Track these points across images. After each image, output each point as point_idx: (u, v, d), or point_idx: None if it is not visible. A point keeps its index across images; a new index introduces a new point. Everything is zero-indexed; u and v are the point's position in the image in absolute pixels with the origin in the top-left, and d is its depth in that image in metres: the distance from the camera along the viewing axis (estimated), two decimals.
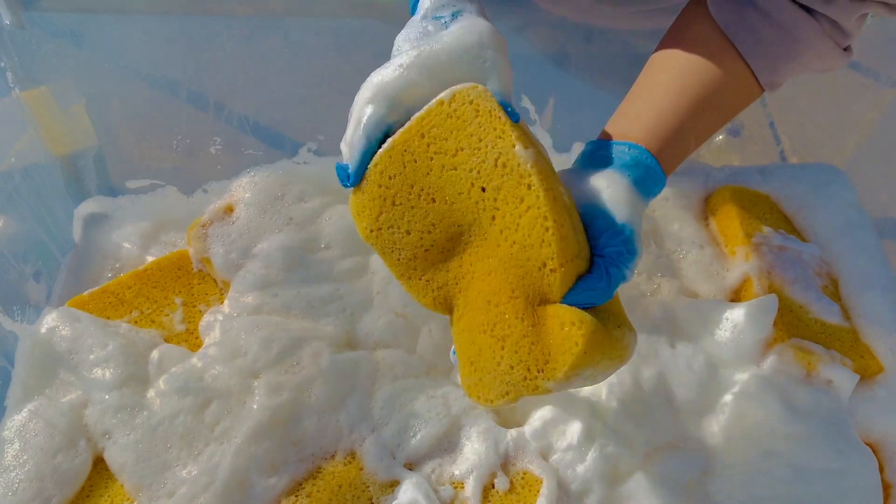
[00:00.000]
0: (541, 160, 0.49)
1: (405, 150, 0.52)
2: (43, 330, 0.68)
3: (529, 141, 0.50)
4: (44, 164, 0.88)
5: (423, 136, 0.51)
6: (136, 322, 0.72)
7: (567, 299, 0.48)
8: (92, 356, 0.67)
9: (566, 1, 0.81)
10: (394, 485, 0.64)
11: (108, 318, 0.72)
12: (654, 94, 0.58)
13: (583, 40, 0.92)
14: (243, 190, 0.77)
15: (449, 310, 0.56)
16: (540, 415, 0.67)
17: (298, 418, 0.65)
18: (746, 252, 0.80)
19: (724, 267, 0.81)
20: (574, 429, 0.65)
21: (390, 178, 0.53)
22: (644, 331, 0.72)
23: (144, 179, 0.85)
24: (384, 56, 0.54)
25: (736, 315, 0.72)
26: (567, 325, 0.47)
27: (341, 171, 0.54)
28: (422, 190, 0.52)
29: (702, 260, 0.81)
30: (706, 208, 0.87)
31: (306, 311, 0.71)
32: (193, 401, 0.64)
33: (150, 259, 0.79)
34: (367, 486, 0.63)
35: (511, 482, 0.64)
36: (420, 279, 0.55)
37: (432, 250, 0.53)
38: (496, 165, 0.49)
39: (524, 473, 0.64)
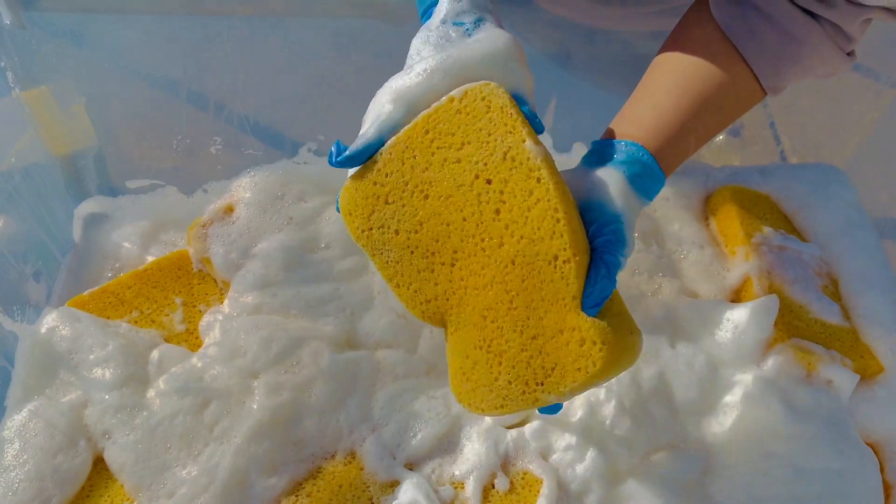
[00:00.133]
0: (549, 157, 0.49)
1: (406, 147, 0.51)
2: (43, 330, 0.68)
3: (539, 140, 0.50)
4: (44, 164, 0.88)
5: (427, 132, 0.51)
6: (136, 322, 0.72)
7: (586, 300, 0.47)
8: (92, 356, 0.67)
9: (566, 2, 0.81)
10: (394, 485, 0.64)
11: (108, 318, 0.72)
12: (654, 96, 0.59)
13: (584, 40, 0.92)
14: (243, 190, 0.77)
15: (441, 323, 0.54)
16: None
17: (298, 418, 0.64)
18: (746, 252, 0.80)
19: (724, 267, 0.81)
20: (574, 429, 0.65)
21: (387, 175, 0.52)
22: (645, 331, 0.72)
23: (144, 179, 0.85)
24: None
25: (736, 315, 0.72)
26: (588, 343, 0.46)
27: (336, 146, 0.53)
28: (416, 186, 0.51)
29: (702, 260, 0.81)
30: (706, 208, 0.87)
31: (306, 311, 0.71)
32: (193, 401, 0.64)
33: (150, 259, 0.79)
34: (368, 486, 0.63)
35: (511, 482, 0.64)
36: (408, 288, 0.53)
37: (416, 253, 0.52)
38: (505, 159, 0.48)
39: (524, 473, 0.64)
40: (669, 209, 0.85)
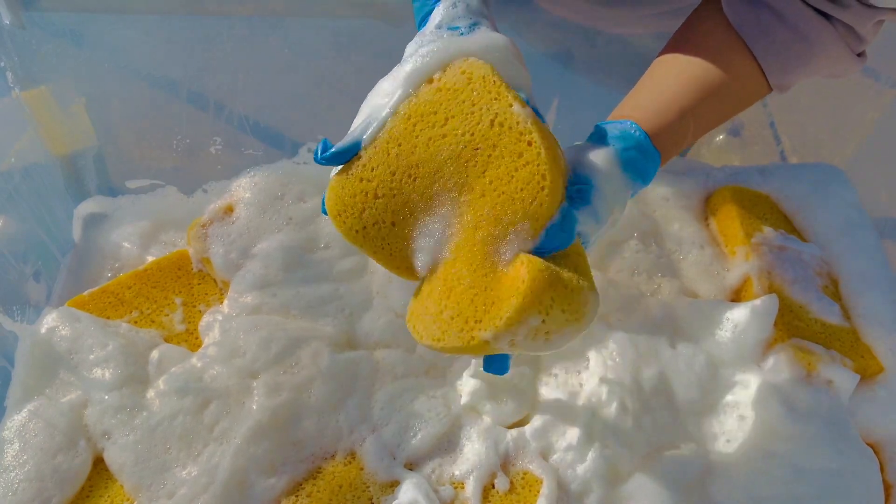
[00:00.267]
0: (539, 120, 0.48)
1: (390, 138, 0.50)
2: (43, 330, 0.68)
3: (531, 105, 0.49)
4: (44, 164, 0.88)
5: (409, 117, 0.50)
6: (136, 322, 0.72)
7: (536, 248, 0.46)
8: (92, 356, 0.67)
9: (566, 3, 0.81)
10: (394, 485, 0.64)
11: (108, 318, 0.72)
12: (657, 82, 0.59)
13: (585, 40, 0.92)
14: (243, 190, 0.77)
15: None
16: (540, 415, 0.67)
17: (298, 418, 0.64)
18: (746, 252, 0.80)
19: (724, 267, 0.81)
20: (574, 429, 0.65)
21: (372, 169, 0.51)
22: (644, 331, 0.72)
23: (144, 179, 0.85)
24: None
25: (736, 315, 0.72)
26: (515, 268, 0.45)
27: (322, 143, 0.52)
28: (403, 172, 0.50)
29: (702, 260, 0.81)
30: (706, 208, 0.87)
31: (306, 311, 0.71)
32: (193, 401, 0.64)
33: (150, 259, 0.79)
34: (368, 487, 0.63)
35: (511, 482, 0.64)
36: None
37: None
38: (492, 125, 0.47)
39: (524, 473, 0.64)
40: (669, 209, 0.85)
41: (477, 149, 0.48)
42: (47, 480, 0.61)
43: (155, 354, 0.68)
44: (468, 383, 0.69)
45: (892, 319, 0.77)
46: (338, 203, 0.53)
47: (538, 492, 0.63)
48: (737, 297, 0.79)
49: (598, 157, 0.52)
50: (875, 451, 0.69)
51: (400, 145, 0.50)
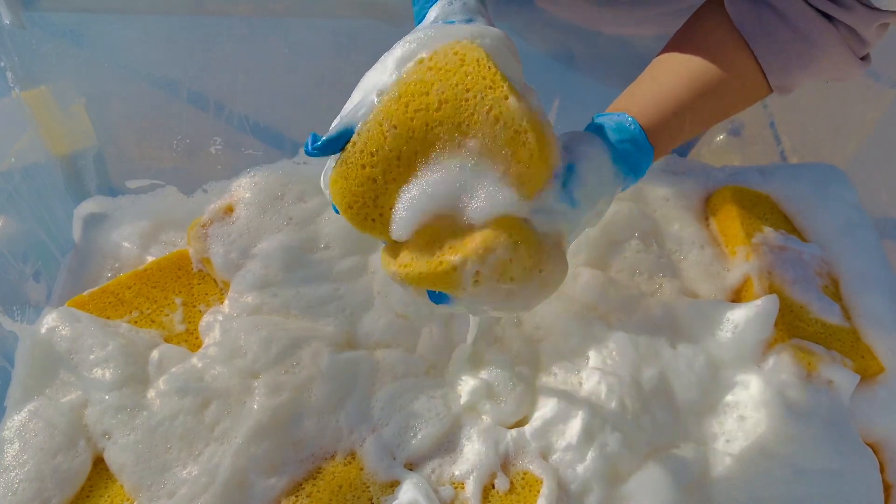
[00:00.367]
0: (534, 113, 0.47)
1: (384, 118, 0.49)
2: (43, 330, 0.68)
3: (523, 93, 0.48)
4: (44, 164, 0.88)
5: (400, 97, 0.48)
6: (136, 322, 0.72)
7: None
8: (92, 356, 0.67)
9: (566, 4, 0.81)
10: (394, 485, 0.64)
11: (108, 318, 0.72)
12: (656, 77, 0.59)
13: (586, 40, 0.92)
14: (243, 190, 0.77)
15: None
16: (540, 415, 0.67)
17: (298, 418, 0.64)
18: (747, 252, 0.79)
19: (724, 267, 0.81)
20: (574, 429, 0.65)
21: (372, 154, 0.49)
22: (645, 331, 0.72)
23: (144, 179, 0.85)
24: None
25: (737, 315, 0.72)
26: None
27: (311, 136, 0.51)
28: (408, 160, 0.49)
29: (702, 260, 0.81)
30: (707, 208, 0.87)
31: (306, 311, 0.71)
32: (193, 401, 0.64)
33: (150, 259, 0.79)
34: (368, 487, 0.63)
35: (511, 482, 0.64)
36: None
37: None
38: (488, 118, 0.46)
39: (524, 473, 0.64)
40: (669, 209, 0.85)
41: (473, 138, 0.47)
42: (47, 480, 0.61)
43: (155, 354, 0.68)
44: (468, 383, 0.69)
45: (892, 319, 0.77)
46: (346, 195, 0.51)
47: (538, 492, 0.62)
48: (737, 297, 0.79)
49: (589, 145, 0.53)
50: (875, 451, 0.69)
51: (395, 127, 0.48)
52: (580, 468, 0.64)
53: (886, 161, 1.04)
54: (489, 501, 0.63)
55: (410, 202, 0.50)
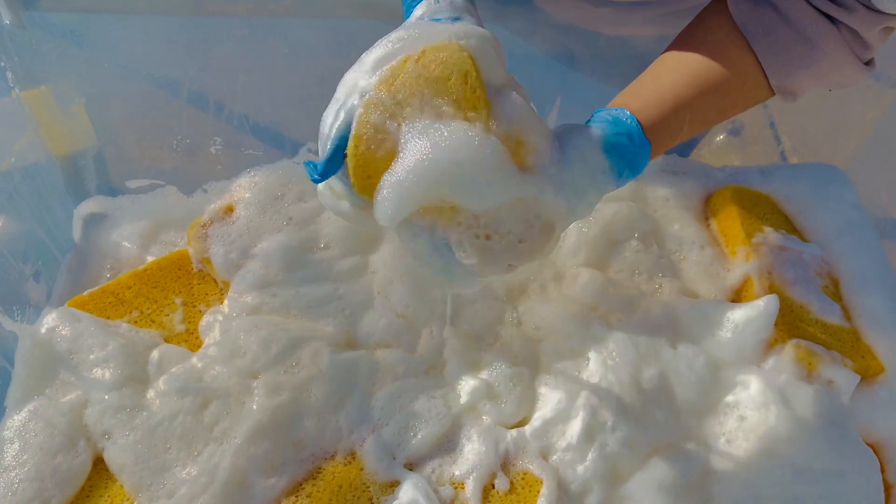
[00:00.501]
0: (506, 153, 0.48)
1: (373, 127, 0.48)
2: (43, 330, 0.68)
3: (509, 89, 0.49)
4: (44, 164, 0.88)
5: (381, 104, 0.48)
6: (136, 322, 0.72)
7: None
8: (92, 356, 0.67)
9: (566, 5, 0.81)
10: (394, 485, 0.64)
11: (108, 318, 0.72)
12: (654, 73, 0.59)
13: (587, 41, 0.92)
14: (243, 190, 0.77)
15: None
16: (540, 415, 0.67)
17: (298, 418, 0.64)
18: (747, 252, 0.79)
19: (724, 267, 0.81)
20: (574, 429, 0.65)
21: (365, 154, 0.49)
22: (645, 331, 0.72)
23: (144, 179, 0.85)
24: None
25: (737, 315, 0.72)
26: None
27: (308, 164, 0.51)
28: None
29: (702, 260, 0.81)
30: (707, 208, 0.87)
31: (306, 311, 0.71)
32: (193, 401, 0.64)
33: (149, 259, 0.79)
34: (368, 487, 0.63)
35: (511, 482, 0.64)
36: None
37: None
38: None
39: (524, 474, 0.64)
40: (669, 209, 0.85)
41: None
42: (47, 480, 0.61)
43: (155, 354, 0.68)
44: (468, 383, 0.69)
45: (892, 319, 0.77)
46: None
47: (538, 492, 0.62)
48: (737, 297, 0.79)
49: (577, 135, 0.53)
50: (875, 451, 0.69)
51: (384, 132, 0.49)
52: (580, 468, 0.64)
53: (886, 161, 1.04)
54: (489, 501, 0.63)
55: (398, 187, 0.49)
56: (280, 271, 0.72)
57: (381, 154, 0.49)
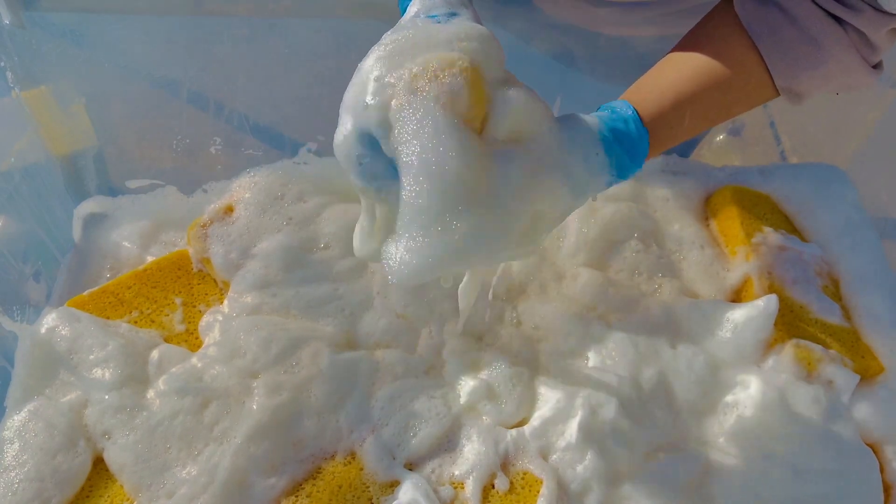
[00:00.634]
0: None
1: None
2: (43, 330, 0.68)
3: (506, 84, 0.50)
4: (44, 164, 0.88)
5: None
6: (135, 322, 0.72)
7: None
8: (92, 356, 0.67)
9: (566, 5, 0.81)
10: (394, 485, 0.64)
11: (108, 318, 0.72)
12: (658, 70, 0.60)
13: (587, 40, 0.92)
14: (243, 190, 0.77)
15: None
16: (540, 415, 0.67)
17: (298, 418, 0.64)
18: (747, 252, 0.79)
19: (724, 267, 0.81)
20: (574, 429, 0.65)
21: None
22: (644, 331, 0.72)
23: (144, 179, 0.85)
24: None
25: (736, 315, 0.72)
26: None
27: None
28: None
29: (702, 260, 0.81)
30: (707, 208, 0.87)
31: (306, 311, 0.71)
32: (193, 401, 0.64)
33: (149, 259, 0.79)
34: (368, 487, 0.63)
35: (511, 482, 0.64)
36: None
37: None
38: None
39: (524, 473, 0.64)
40: (669, 209, 0.85)
41: None
42: (47, 480, 0.61)
43: (155, 354, 0.68)
44: (468, 383, 0.69)
45: (892, 319, 0.77)
46: None
47: (538, 492, 0.62)
48: (737, 297, 0.79)
49: (567, 122, 0.53)
50: (875, 452, 0.69)
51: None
52: (580, 468, 0.64)
53: (886, 161, 1.04)
54: (489, 501, 0.63)
55: None
56: (280, 271, 0.72)
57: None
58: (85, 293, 0.74)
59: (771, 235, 0.81)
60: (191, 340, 0.72)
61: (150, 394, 0.65)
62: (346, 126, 0.49)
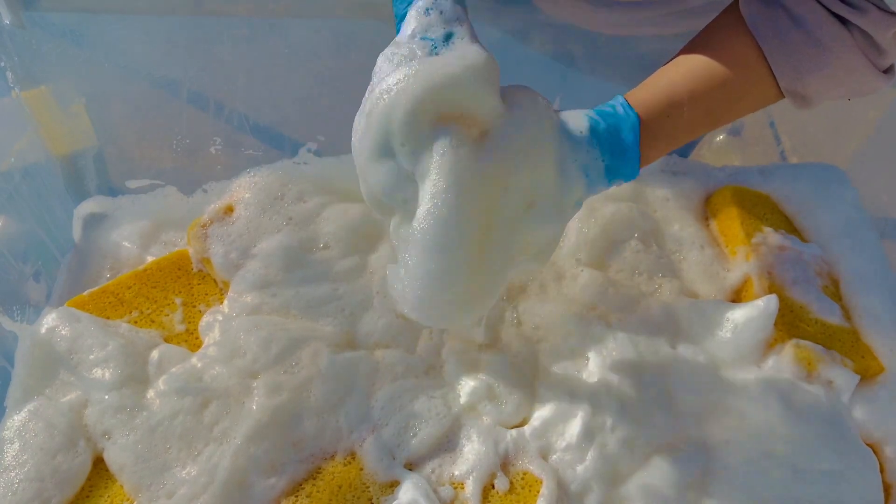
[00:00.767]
0: None
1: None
2: (43, 330, 0.68)
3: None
4: (44, 164, 0.88)
5: None
6: (135, 322, 0.72)
7: None
8: (92, 356, 0.67)
9: (566, 6, 0.81)
10: (394, 485, 0.64)
11: (108, 318, 0.72)
12: (659, 71, 0.60)
13: (587, 41, 0.92)
14: (243, 190, 0.77)
15: None
16: (540, 415, 0.67)
17: (298, 419, 0.64)
18: (747, 252, 0.79)
19: (724, 267, 0.81)
20: (574, 429, 0.65)
21: None
22: (644, 331, 0.72)
23: (144, 179, 0.85)
24: None
25: (736, 315, 0.72)
26: None
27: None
28: None
29: (702, 260, 0.81)
30: (707, 209, 0.87)
31: (305, 311, 0.71)
32: (193, 401, 0.64)
33: (149, 259, 0.79)
34: (367, 487, 0.63)
35: (511, 482, 0.64)
36: None
37: None
38: None
39: (524, 474, 0.64)
40: (669, 209, 0.85)
41: None
42: (47, 480, 0.61)
43: (155, 354, 0.68)
44: (468, 384, 0.69)
45: (892, 319, 0.77)
46: None
47: (538, 492, 0.62)
48: (737, 297, 0.79)
49: (572, 113, 0.55)
50: (875, 452, 0.69)
51: None
52: (580, 468, 0.64)
53: (886, 161, 1.04)
54: (489, 501, 0.63)
55: None
56: (280, 271, 0.72)
57: None
58: (85, 293, 0.74)
59: (771, 235, 0.81)
60: (191, 340, 0.72)
61: (150, 394, 0.65)
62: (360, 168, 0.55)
